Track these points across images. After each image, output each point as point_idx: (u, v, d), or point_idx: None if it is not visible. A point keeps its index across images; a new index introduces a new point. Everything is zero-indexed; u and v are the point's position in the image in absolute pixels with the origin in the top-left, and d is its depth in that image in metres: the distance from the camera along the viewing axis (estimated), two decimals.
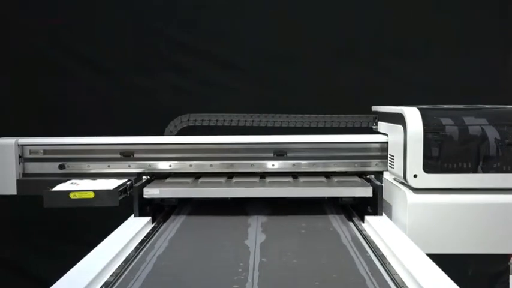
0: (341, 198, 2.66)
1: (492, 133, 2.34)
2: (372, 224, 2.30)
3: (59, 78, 3.78)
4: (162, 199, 2.62)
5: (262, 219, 2.48)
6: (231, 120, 3.00)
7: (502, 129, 2.35)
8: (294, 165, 2.72)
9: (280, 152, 2.72)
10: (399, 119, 2.46)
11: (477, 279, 3.73)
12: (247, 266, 1.84)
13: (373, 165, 2.71)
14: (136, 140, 2.74)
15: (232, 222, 2.43)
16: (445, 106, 2.58)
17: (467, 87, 3.66)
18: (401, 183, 2.49)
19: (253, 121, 3.00)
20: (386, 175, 2.71)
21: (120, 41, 3.79)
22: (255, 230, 2.29)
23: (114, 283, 1.69)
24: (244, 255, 1.95)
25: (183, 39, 3.81)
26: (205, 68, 3.82)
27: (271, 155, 2.72)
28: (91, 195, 2.36)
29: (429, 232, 2.31)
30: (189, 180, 2.65)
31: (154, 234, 2.27)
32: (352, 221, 2.44)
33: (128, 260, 1.90)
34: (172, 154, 2.73)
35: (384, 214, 2.45)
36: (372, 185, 2.52)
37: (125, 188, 2.50)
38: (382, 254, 1.94)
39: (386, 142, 2.68)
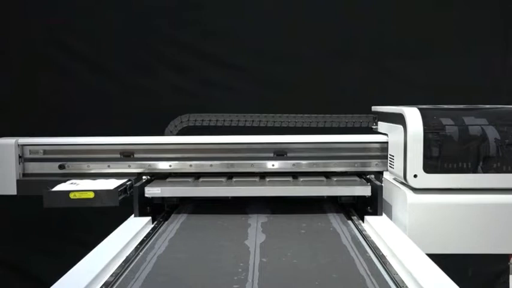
0: (340, 197, 2.67)
1: (492, 133, 2.34)
2: (372, 224, 2.30)
3: (59, 78, 3.78)
4: (163, 198, 2.62)
5: (262, 219, 2.48)
6: (231, 120, 3.00)
7: (502, 129, 2.35)
8: (294, 165, 2.72)
9: (280, 152, 2.72)
10: (399, 119, 2.46)
11: (477, 279, 3.73)
12: (247, 266, 1.84)
13: (373, 165, 2.71)
14: (136, 140, 2.74)
15: (232, 223, 2.43)
16: (445, 106, 2.58)
17: (467, 87, 3.66)
18: (401, 183, 2.49)
19: (253, 121, 2.99)
20: (386, 175, 2.71)
21: (120, 41, 3.79)
22: (255, 230, 2.29)
23: (114, 283, 1.69)
24: (244, 255, 1.95)
25: (183, 39, 3.81)
26: (205, 68, 3.82)
27: (271, 155, 2.72)
28: (91, 195, 2.36)
29: (429, 232, 2.30)
30: (189, 179, 2.66)
31: (154, 234, 2.27)
32: (352, 221, 2.44)
33: (127, 260, 1.90)
34: (172, 154, 2.72)
35: (384, 214, 2.45)
36: (371, 185, 2.52)
37: (125, 188, 2.50)
38: (382, 254, 1.94)
39: (386, 142, 2.68)
